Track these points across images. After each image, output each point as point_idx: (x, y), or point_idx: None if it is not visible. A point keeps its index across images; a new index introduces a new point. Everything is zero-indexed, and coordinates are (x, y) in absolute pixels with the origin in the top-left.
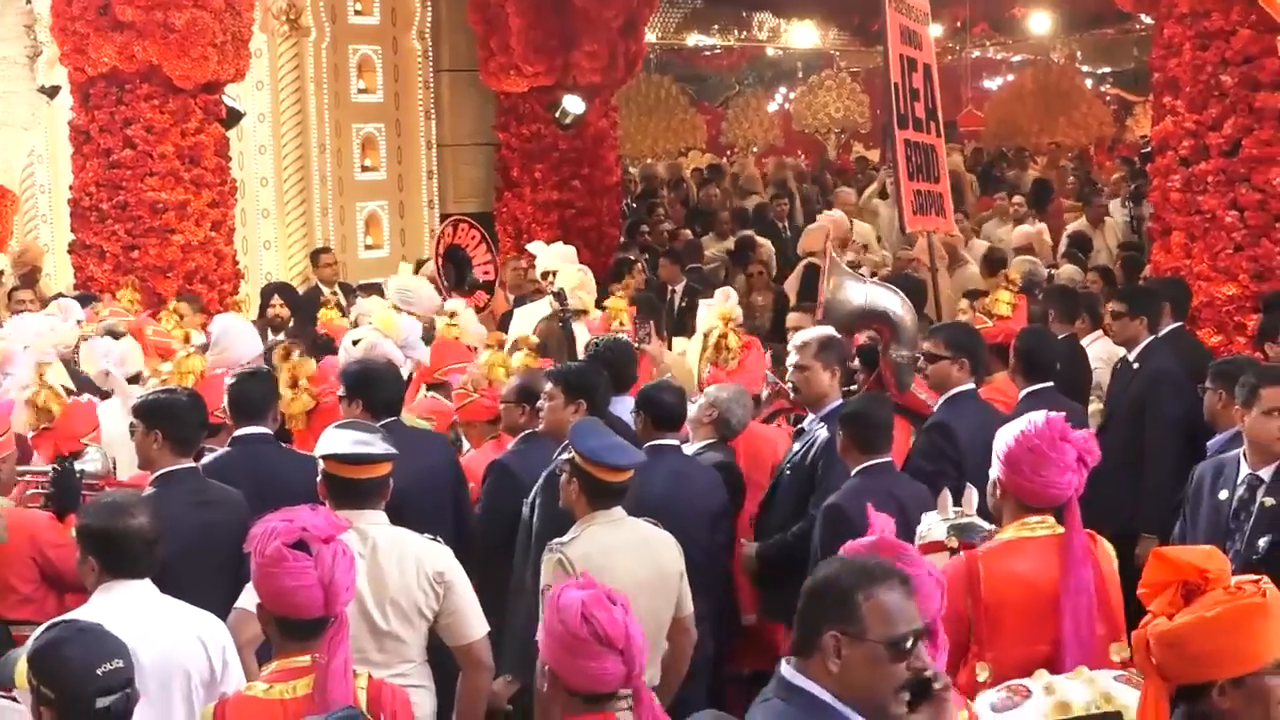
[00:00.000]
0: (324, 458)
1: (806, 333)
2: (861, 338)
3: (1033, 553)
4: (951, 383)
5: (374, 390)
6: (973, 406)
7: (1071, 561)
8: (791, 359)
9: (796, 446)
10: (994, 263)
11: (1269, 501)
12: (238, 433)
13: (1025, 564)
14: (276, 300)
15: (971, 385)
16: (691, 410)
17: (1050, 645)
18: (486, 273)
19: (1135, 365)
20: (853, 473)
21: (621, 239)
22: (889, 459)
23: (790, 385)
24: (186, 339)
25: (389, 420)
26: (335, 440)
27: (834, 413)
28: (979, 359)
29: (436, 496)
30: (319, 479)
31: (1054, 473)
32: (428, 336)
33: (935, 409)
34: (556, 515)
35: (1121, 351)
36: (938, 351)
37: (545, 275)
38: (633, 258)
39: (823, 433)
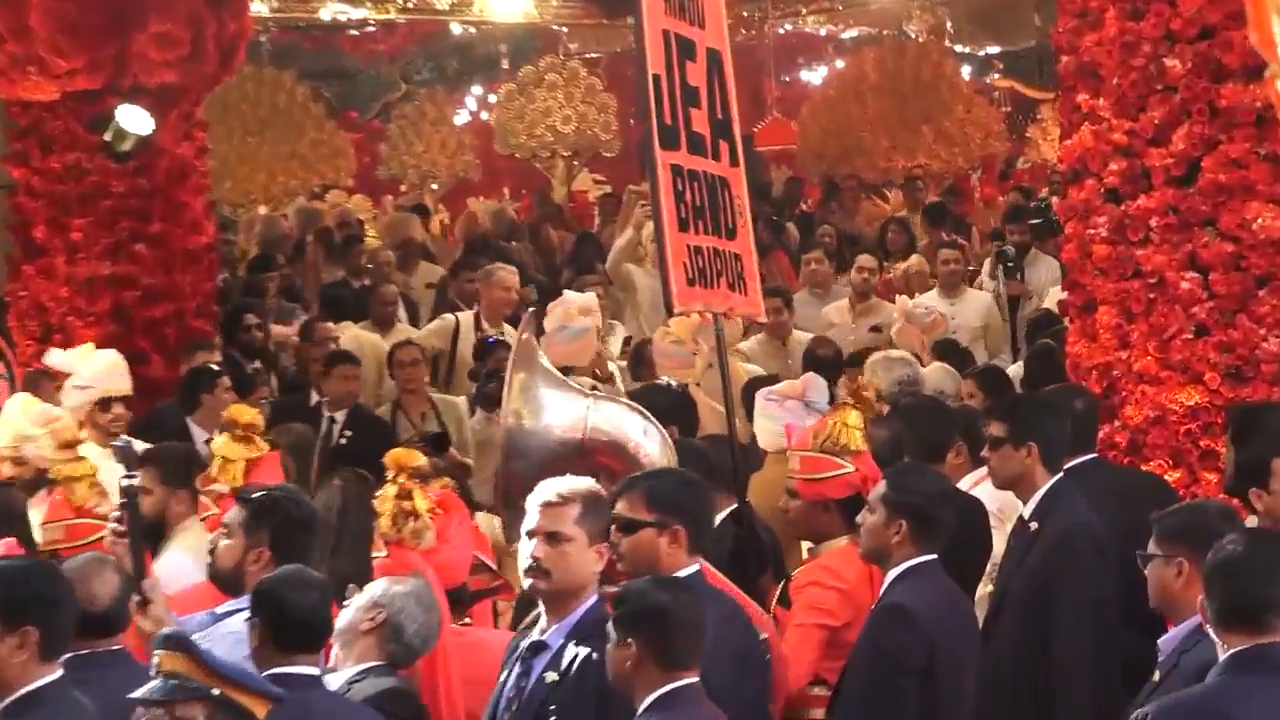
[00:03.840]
0: None
1: (559, 483)
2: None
3: None
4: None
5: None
6: None
7: None
8: (533, 522)
9: (525, 681)
10: (821, 363)
11: None
12: None
13: None
14: None
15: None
16: (346, 613)
17: None
18: None
19: (1032, 525)
20: (648, 703)
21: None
22: (698, 679)
23: (530, 566)
24: None
25: None
26: None
27: (594, 618)
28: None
29: None
30: None
31: None
32: None
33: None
34: None
35: (1017, 501)
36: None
37: None
38: (215, 367)
39: (576, 652)
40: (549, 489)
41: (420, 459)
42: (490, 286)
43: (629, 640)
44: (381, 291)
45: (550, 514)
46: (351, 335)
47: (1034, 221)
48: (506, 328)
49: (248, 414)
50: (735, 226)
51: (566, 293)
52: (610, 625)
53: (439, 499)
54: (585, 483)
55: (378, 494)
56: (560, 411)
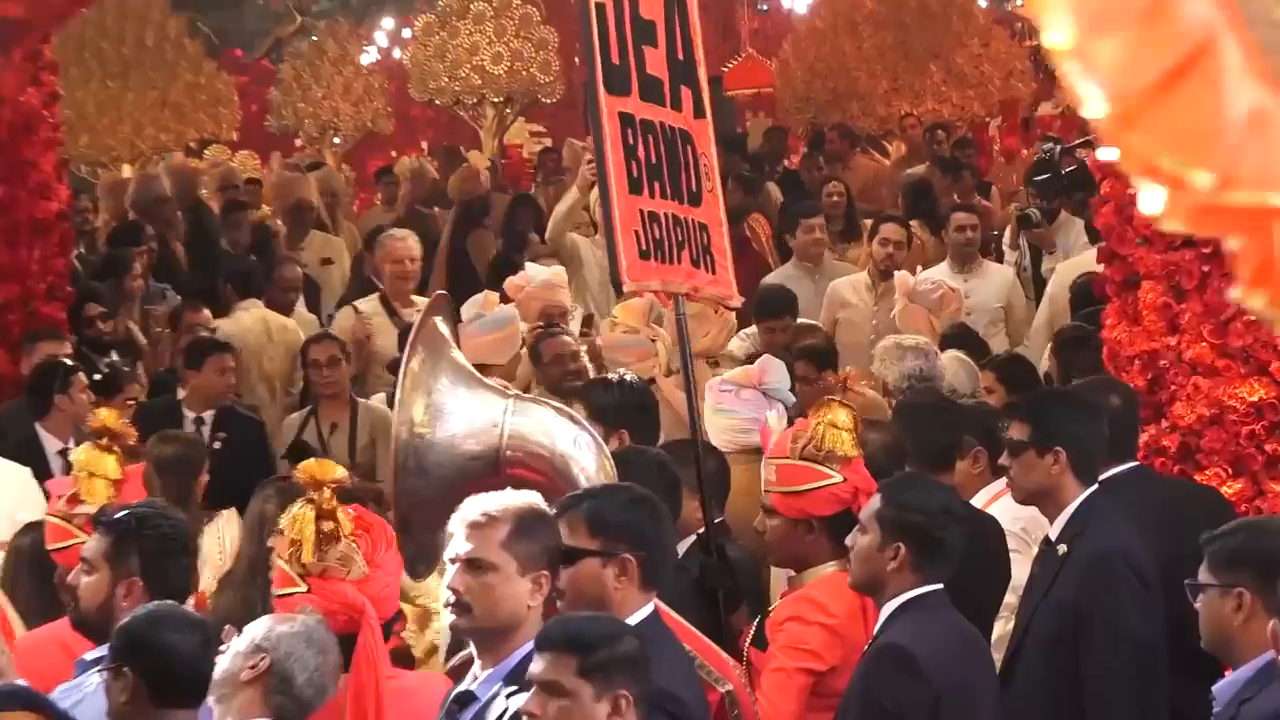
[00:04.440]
0: None
1: (488, 499)
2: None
3: None
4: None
5: None
6: None
7: None
8: (459, 545)
9: None
10: (805, 355)
11: None
12: None
13: None
14: None
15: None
16: (222, 660)
17: None
18: None
19: (1060, 548)
20: None
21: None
22: None
23: (449, 600)
24: None
25: None
26: None
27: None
28: None
29: None
30: None
31: None
32: None
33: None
34: None
35: (1042, 520)
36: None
37: None
38: (70, 362)
39: (506, 704)
40: (475, 506)
41: (340, 471)
42: (382, 260)
43: (622, 693)
44: (283, 273)
45: (473, 536)
46: (258, 316)
47: (1040, 177)
48: None
49: (115, 419)
50: (700, 191)
51: (529, 265)
52: (569, 676)
53: (356, 517)
54: (522, 498)
55: (289, 515)
56: (469, 415)
